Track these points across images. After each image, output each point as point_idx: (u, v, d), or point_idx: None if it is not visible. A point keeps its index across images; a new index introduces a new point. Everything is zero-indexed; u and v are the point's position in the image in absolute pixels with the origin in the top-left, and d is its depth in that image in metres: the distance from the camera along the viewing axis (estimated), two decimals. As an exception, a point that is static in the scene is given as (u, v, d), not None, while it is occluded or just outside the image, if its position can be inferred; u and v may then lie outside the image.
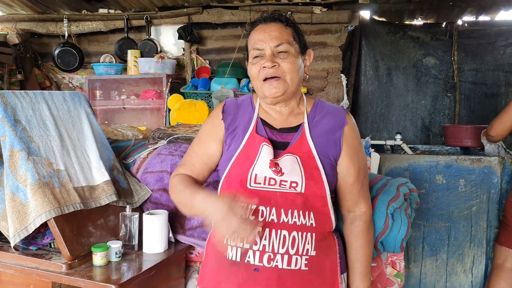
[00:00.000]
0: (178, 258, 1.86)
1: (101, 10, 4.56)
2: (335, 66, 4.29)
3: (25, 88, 4.70)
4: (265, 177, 1.38)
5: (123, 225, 1.75)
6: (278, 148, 1.44)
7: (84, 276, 1.54)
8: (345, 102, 4.19)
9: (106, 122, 4.34)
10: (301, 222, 1.38)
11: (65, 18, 4.49)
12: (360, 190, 1.53)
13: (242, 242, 1.36)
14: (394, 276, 2.18)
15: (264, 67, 1.41)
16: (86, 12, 4.60)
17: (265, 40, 1.42)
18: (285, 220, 1.37)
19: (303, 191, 1.38)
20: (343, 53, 4.46)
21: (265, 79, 1.43)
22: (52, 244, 1.70)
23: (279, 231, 1.36)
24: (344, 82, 4.23)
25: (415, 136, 4.75)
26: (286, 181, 1.38)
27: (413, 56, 4.70)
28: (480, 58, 4.58)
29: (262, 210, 1.37)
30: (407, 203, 1.83)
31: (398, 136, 3.61)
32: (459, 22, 4.58)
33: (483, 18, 4.59)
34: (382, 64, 4.75)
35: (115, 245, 1.66)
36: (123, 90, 4.41)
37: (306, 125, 1.48)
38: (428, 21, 4.78)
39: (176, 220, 1.90)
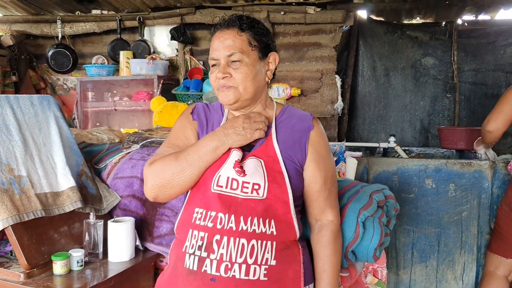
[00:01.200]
0: (146, 267, 1.81)
1: (94, 11, 4.53)
2: (330, 67, 4.21)
3: (20, 90, 4.69)
4: (228, 178, 1.35)
5: (87, 233, 1.70)
6: (244, 150, 1.42)
7: (42, 286, 1.50)
8: (339, 104, 4.11)
9: (98, 124, 4.32)
10: (261, 230, 1.33)
11: (59, 19, 4.48)
12: (327, 198, 1.48)
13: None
14: (375, 284, 2.11)
15: (217, 77, 1.42)
16: (79, 13, 4.58)
17: (218, 49, 1.41)
18: (244, 228, 1.32)
19: (265, 195, 1.34)
20: (340, 54, 4.38)
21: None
22: (13, 252, 1.66)
23: (237, 239, 1.31)
24: (339, 84, 4.15)
25: (413, 138, 4.66)
26: (249, 183, 1.34)
27: (412, 56, 4.61)
28: (480, 58, 4.48)
29: (221, 217, 1.32)
30: (382, 210, 1.76)
31: (392, 139, 3.53)
32: (459, 21, 4.49)
33: (482, 17, 4.48)
34: (380, 64, 4.66)
35: (77, 254, 1.62)
36: (115, 91, 4.38)
37: (273, 129, 1.46)
38: (427, 21, 4.68)
39: (144, 228, 1.85)
